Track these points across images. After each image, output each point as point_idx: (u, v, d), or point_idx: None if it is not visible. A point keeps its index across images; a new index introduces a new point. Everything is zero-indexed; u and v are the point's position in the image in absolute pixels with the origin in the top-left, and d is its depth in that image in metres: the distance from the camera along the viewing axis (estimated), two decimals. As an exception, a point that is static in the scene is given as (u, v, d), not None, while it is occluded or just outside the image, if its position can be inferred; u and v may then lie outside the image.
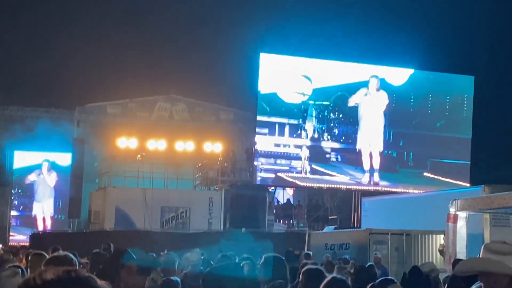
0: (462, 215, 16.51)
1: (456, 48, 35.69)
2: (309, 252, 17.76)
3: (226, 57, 35.76)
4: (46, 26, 35.20)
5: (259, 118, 28.88)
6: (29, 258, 7.38)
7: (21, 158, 35.08)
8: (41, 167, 35.35)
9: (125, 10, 35.97)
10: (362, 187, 29.88)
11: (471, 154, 30.81)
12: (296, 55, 29.97)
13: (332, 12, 36.73)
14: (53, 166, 35.53)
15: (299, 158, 29.17)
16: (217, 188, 29.80)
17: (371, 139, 30.06)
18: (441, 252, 18.84)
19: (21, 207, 35.26)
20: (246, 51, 34.37)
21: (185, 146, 31.90)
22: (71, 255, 4.82)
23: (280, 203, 31.88)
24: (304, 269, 6.13)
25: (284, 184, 29.95)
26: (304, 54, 30.22)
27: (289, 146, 29.17)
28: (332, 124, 29.75)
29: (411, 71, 30.94)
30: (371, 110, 30.09)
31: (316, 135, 29.45)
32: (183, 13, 36.74)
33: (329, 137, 29.65)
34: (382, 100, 30.14)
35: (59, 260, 4.69)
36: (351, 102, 29.79)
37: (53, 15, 35.31)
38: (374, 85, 30.03)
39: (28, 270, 6.65)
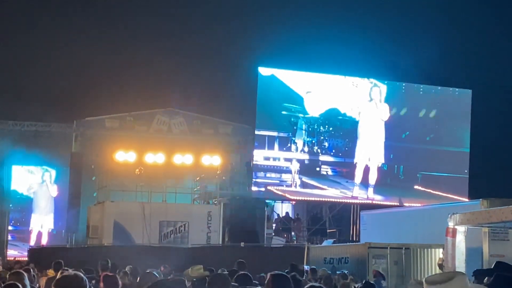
0: (461, 229, 16.48)
1: (453, 62, 35.76)
2: (314, 267, 17.71)
3: (225, 70, 35.85)
4: (45, 40, 35.27)
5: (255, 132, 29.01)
6: (7, 276, 7.28)
7: (18, 173, 35.03)
8: (43, 177, 35.32)
9: (124, 24, 36.08)
10: (356, 201, 29.92)
11: (470, 167, 30.84)
12: (290, 68, 30.05)
13: (327, 26, 36.83)
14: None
15: (289, 172, 29.17)
16: (215, 202, 29.75)
17: (371, 152, 30.08)
18: (440, 266, 18.79)
19: (12, 221, 35.10)
20: (244, 65, 34.45)
21: (183, 159, 31.87)
22: (81, 274, 4.57)
23: (279, 217, 31.81)
24: (307, 286, 6.18)
25: (274, 197, 29.89)
26: (298, 68, 30.30)
27: (279, 159, 29.18)
28: (322, 137, 29.78)
29: (403, 84, 31.15)
30: (373, 122, 30.16)
31: (306, 149, 29.47)
32: (181, 27, 36.86)
33: (319, 150, 29.68)
34: (385, 112, 30.24)
35: (69, 281, 4.47)
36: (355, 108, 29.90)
37: (51, 29, 35.38)
38: (377, 95, 30.14)
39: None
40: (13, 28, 34.56)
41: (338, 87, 30.06)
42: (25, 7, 35.33)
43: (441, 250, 18.81)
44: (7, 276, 6.93)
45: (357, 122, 30.05)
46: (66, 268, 12.13)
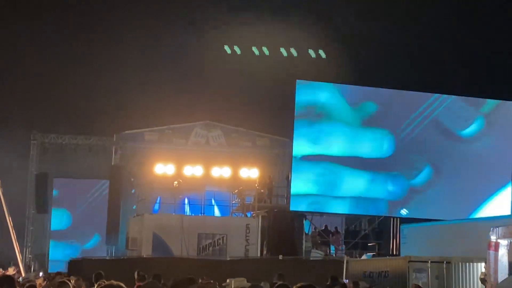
0: (504, 242, 16.21)
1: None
2: (357, 281, 17.55)
3: (262, 83, 35.87)
4: (84, 54, 35.74)
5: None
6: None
7: (60, 185, 35.49)
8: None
9: (162, 39, 36.37)
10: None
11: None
12: (327, 81, 29.99)
13: (375, 39, 36.43)
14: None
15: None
16: (254, 215, 29.73)
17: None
18: (483, 280, 18.47)
19: (53, 234, 35.51)
20: (282, 77, 34.37)
21: (221, 172, 31.99)
22: (124, 286, 4.70)
23: (316, 230, 31.60)
24: None
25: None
26: (335, 80, 30.23)
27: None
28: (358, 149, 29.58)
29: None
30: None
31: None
32: (218, 41, 37.02)
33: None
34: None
35: None
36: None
37: (91, 43, 35.86)
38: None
39: None
40: (54, 43, 35.12)
41: (377, 98, 29.88)
42: (65, 24, 35.93)
43: (483, 264, 18.48)
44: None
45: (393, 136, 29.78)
46: (103, 280, 12.22)
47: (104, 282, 8.59)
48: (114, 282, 4.74)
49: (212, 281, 9.37)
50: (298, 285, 6.03)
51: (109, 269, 18.62)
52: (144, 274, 12.67)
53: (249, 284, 9.30)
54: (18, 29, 34.65)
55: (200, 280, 14.59)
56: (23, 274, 25.66)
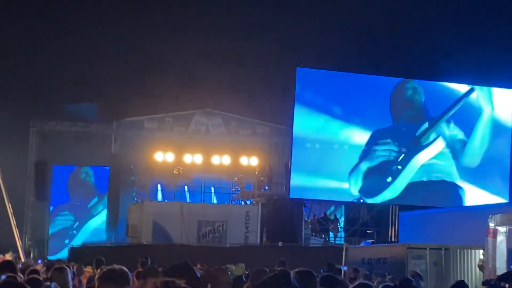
0: (502, 229, 16.32)
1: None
2: (357, 267, 17.63)
3: (262, 71, 35.85)
4: (84, 42, 35.72)
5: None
6: (50, 273, 7.39)
7: (59, 173, 35.49)
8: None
9: (162, 26, 36.36)
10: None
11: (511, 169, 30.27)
12: (328, 68, 30.02)
13: (375, 27, 36.35)
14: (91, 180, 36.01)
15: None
16: (253, 202, 29.83)
17: None
18: (481, 267, 18.57)
19: (53, 221, 35.54)
20: (282, 65, 34.36)
21: (221, 160, 32.04)
22: (126, 270, 4.77)
23: (315, 217, 31.73)
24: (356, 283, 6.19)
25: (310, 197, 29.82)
26: (336, 68, 30.25)
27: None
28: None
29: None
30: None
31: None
32: (218, 28, 37.00)
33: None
34: None
35: (115, 274, 4.66)
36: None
37: (91, 31, 35.80)
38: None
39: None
40: (52, 31, 35.09)
41: (373, 87, 29.92)
42: (65, 11, 35.90)
43: (481, 251, 18.58)
44: (51, 271, 7.04)
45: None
46: (104, 266, 12.27)
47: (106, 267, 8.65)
48: (117, 266, 4.78)
49: (224, 267, 9.41)
50: (296, 270, 6.08)
51: (109, 256, 18.69)
52: (147, 260, 12.78)
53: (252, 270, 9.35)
54: (15, 18, 34.64)
55: (198, 266, 14.66)
56: (22, 260, 25.72)
